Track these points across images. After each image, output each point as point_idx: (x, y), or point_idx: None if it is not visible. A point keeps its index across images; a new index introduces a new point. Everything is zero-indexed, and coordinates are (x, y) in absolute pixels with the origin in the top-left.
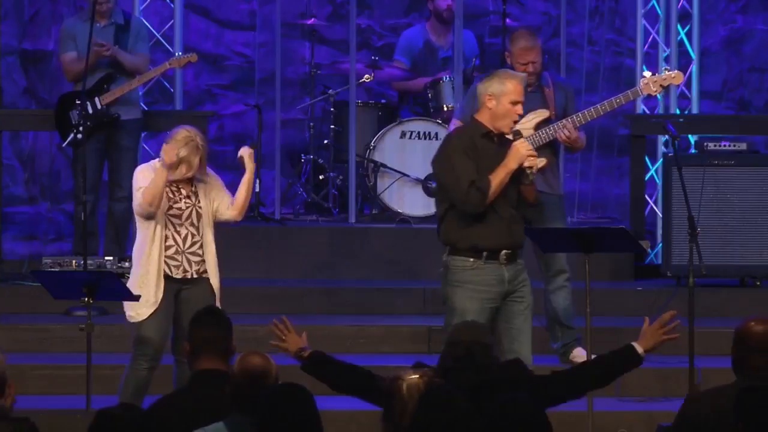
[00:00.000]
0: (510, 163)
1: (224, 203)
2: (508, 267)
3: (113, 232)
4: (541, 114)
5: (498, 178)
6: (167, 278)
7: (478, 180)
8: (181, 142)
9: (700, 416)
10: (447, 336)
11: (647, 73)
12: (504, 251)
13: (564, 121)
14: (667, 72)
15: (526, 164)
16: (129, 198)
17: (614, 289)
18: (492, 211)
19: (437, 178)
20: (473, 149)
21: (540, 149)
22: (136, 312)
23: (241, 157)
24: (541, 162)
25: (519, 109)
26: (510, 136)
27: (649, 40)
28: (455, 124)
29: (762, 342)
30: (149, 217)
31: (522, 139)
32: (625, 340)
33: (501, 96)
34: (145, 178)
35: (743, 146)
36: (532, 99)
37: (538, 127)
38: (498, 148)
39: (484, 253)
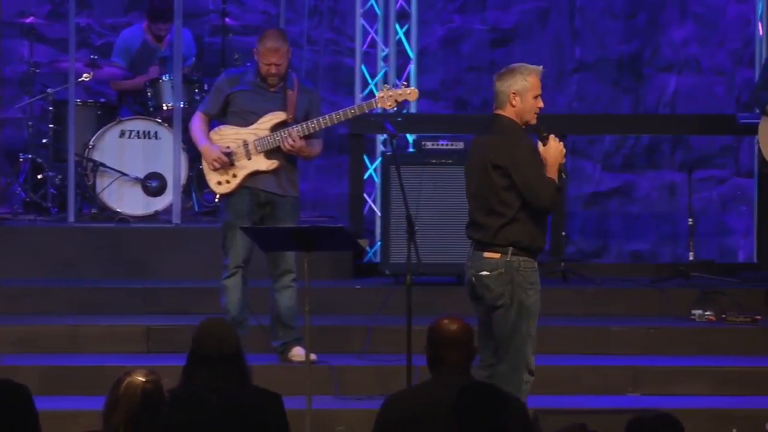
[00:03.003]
0: (558, 160)
1: None
2: None
3: None
4: (278, 116)
5: (555, 176)
6: None
7: None
8: None
9: (398, 416)
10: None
11: (386, 87)
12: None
13: (289, 129)
14: (403, 87)
15: (563, 161)
16: None
17: (334, 288)
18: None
19: (521, 180)
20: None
21: (273, 152)
22: None
23: None
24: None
25: (540, 102)
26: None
27: (368, 39)
28: (200, 117)
29: (455, 338)
30: None
31: (553, 136)
32: (345, 337)
33: (525, 92)
34: None
35: (461, 145)
36: (272, 100)
37: (275, 129)
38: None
39: (538, 255)
